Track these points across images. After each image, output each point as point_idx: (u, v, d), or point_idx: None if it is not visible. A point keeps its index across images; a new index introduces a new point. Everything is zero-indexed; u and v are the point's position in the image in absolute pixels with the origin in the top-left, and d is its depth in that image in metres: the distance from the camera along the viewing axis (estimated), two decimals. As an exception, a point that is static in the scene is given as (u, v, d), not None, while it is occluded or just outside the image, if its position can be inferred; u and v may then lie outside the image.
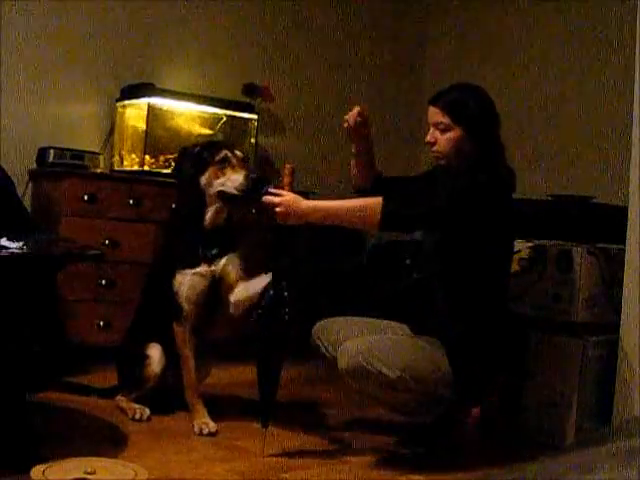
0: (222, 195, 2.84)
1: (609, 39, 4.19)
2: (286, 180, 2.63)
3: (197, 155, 2.89)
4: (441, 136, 2.64)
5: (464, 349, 2.56)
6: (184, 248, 2.88)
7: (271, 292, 2.56)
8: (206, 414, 2.79)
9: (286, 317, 2.54)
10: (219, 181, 2.84)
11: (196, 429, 2.74)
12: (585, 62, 4.36)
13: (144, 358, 2.90)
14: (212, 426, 2.74)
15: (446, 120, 2.63)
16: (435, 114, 2.66)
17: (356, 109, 2.77)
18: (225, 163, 2.84)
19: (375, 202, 2.51)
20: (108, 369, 3.51)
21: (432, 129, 2.67)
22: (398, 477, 2.48)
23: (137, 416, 2.85)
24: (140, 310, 3.07)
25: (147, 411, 2.87)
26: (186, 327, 2.85)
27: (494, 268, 2.66)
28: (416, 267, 2.75)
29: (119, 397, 2.99)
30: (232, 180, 2.81)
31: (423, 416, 2.63)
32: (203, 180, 2.86)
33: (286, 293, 2.55)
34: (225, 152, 2.87)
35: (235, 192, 2.80)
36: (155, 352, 2.91)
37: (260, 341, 2.56)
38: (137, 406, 2.89)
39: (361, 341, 2.56)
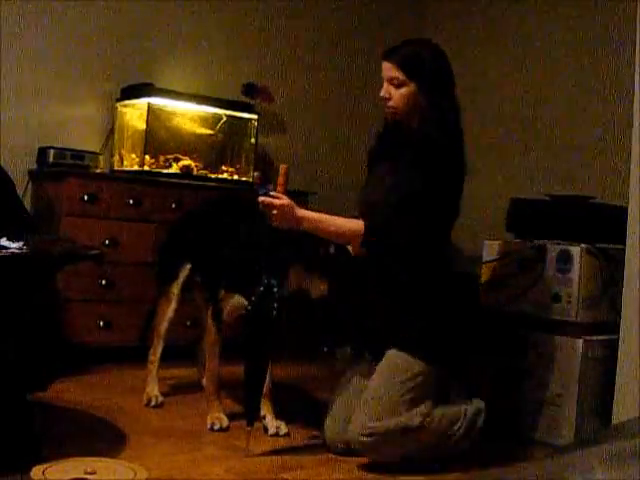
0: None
1: (609, 39, 4.19)
2: (280, 180, 2.64)
3: None
4: (395, 91, 2.63)
5: (430, 336, 2.61)
6: (236, 269, 2.80)
7: (260, 289, 2.57)
8: (221, 410, 2.86)
9: (274, 313, 2.55)
10: None
11: (215, 426, 2.79)
12: (586, 61, 4.36)
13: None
14: (225, 422, 2.81)
15: (400, 75, 2.61)
16: (389, 69, 2.64)
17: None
18: None
19: (360, 223, 2.55)
20: (108, 369, 3.52)
21: (386, 84, 2.66)
22: (398, 477, 2.48)
23: (152, 402, 3.03)
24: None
25: (160, 398, 3.06)
26: (220, 330, 2.87)
27: (440, 236, 2.67)
28: (368, 288, 2.75)
29: (150, 358, 3.13)
30: None
31: (461, 440, 2.66)
32: None
33: (275, 289, 2.56)
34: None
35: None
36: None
37: (248, 337, 2.57)
38: (156, 393, 3.07)
39: (354, 421, 2.56)
